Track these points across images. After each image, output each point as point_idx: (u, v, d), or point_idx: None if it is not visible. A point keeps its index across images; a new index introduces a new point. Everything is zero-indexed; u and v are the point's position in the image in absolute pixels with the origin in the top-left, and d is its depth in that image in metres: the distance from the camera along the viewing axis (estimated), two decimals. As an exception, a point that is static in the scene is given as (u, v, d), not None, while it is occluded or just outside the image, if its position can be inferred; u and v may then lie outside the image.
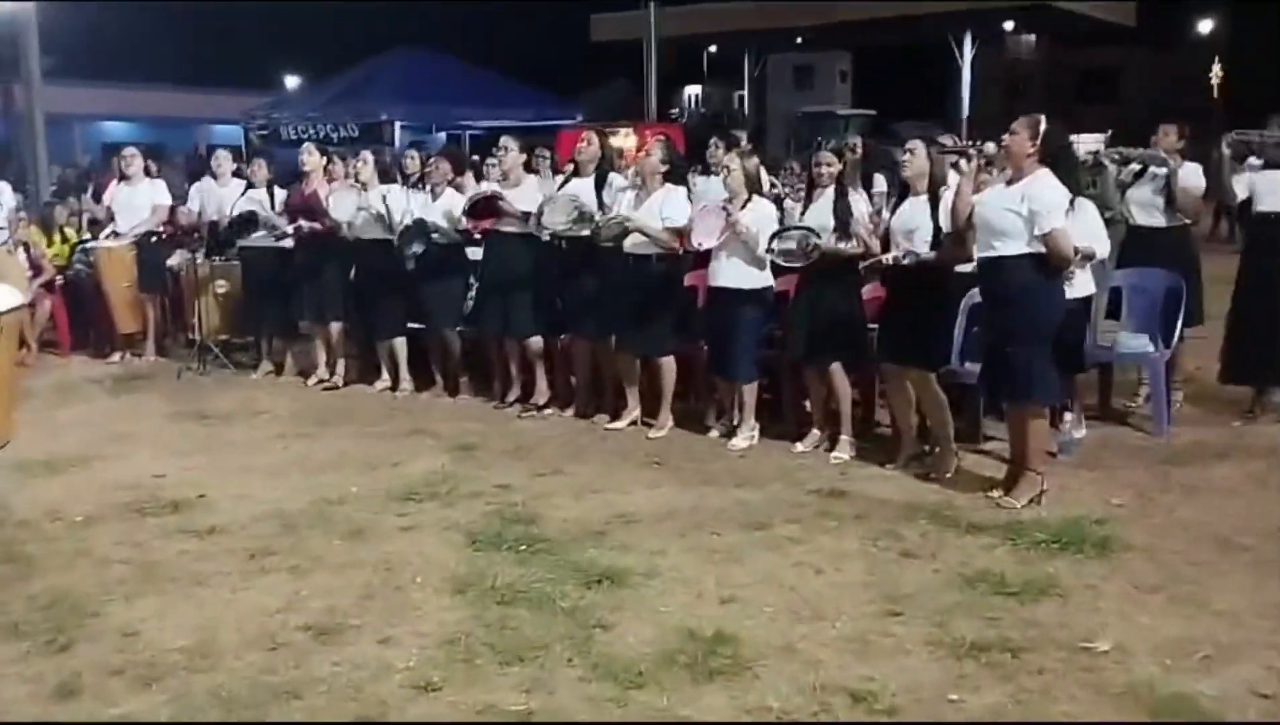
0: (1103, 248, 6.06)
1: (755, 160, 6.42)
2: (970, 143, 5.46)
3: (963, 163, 5.27)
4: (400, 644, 3.82)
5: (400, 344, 7.85)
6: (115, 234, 8.99)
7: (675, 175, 6.57)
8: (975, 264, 5.39)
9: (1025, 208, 4.96)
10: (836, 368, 6.11)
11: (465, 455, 6.22)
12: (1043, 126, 5.02)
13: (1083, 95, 41.07)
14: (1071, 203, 5.06)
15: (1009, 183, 5.14)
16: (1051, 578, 4.30)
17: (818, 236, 5.93)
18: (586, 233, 6.59)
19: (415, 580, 4.35)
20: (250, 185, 8.44)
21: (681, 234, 6.39)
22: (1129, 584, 4.29)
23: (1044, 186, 4.98)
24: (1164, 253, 6.88)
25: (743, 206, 6.21)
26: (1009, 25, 34.95)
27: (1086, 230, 5.83)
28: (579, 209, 6.58)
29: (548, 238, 6.88)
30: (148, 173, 9.32)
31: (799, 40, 35.22)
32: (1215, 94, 39.82)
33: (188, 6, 36.97)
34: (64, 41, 31.29)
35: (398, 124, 21.23)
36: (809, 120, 29.02)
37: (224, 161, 8.96)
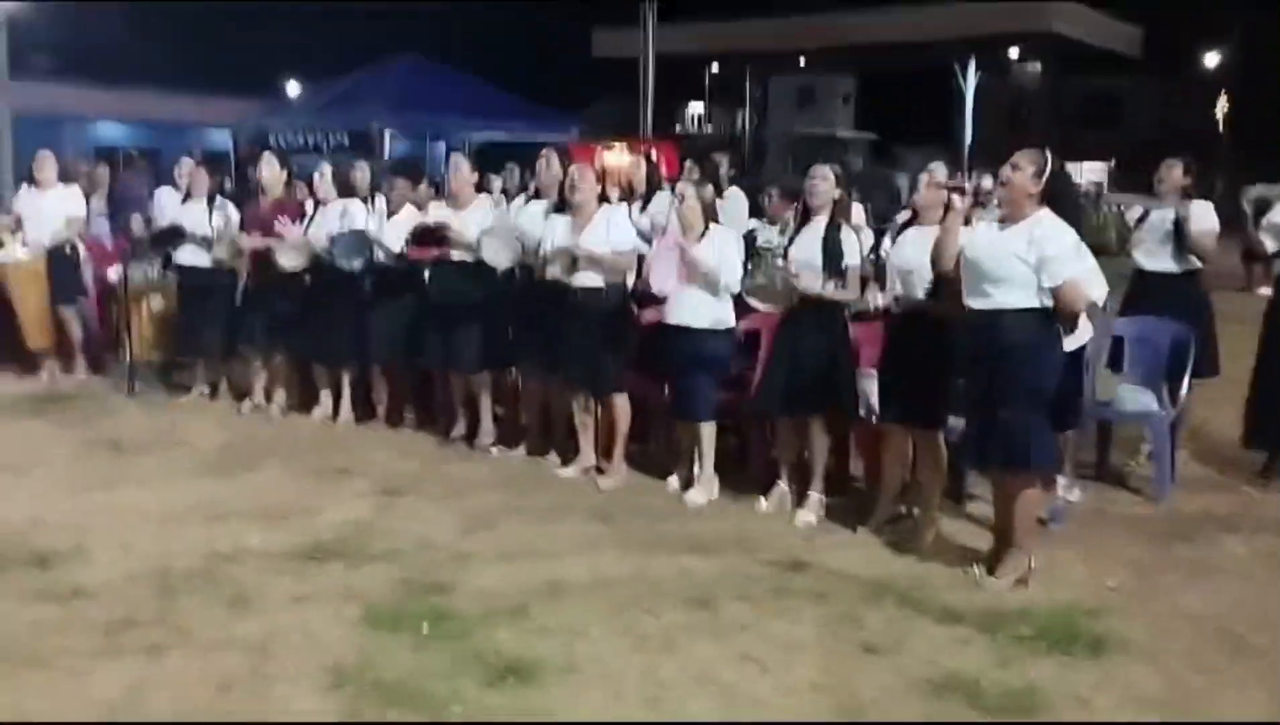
0: (1100, 291, 5.45)
1: (710, 189, 5.82)
2: (965, 176, 4.84)
3: (955, 198, 4.65)
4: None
5: (346, 373, 7.24)
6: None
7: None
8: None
9: (1033, 254, 4.36)
10: (817, 422, 5.49)
11: (390, 502, 5.60)
12: (1049, 164, 4.43)
13: (1087, 122, 40.65)
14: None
15: (1002, 222, 4.53)
16: (1034, 688, 3.68)
17: (795, 276, 5.31)
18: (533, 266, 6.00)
19: (288, 669, 3.72)
20: (188, 196, 7.83)
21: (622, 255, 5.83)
22: (1126, 695, 3.67)
23: (1053, 229, 4.38)
24: (1173, 300, 6.28)
25: (699, 238, 5.61)
26: (1014, 53, 34.50)
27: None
28: (524, 245, 6.00)
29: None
30: (64, 178, 8.59)
31: (802, 62, 34.77)
32: (1221, 126, 39.45)
33: (186, 8, 36.54)
34: (58, 42, 30.92)
35: (388, 133, 20.79)
36: (808, 142, 28.58)
37: (186, 170, 8.28)
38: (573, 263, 5.83)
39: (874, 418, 5.43)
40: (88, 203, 8.75)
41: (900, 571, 4.74)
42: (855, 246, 5.45)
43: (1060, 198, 4.46)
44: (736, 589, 4.49)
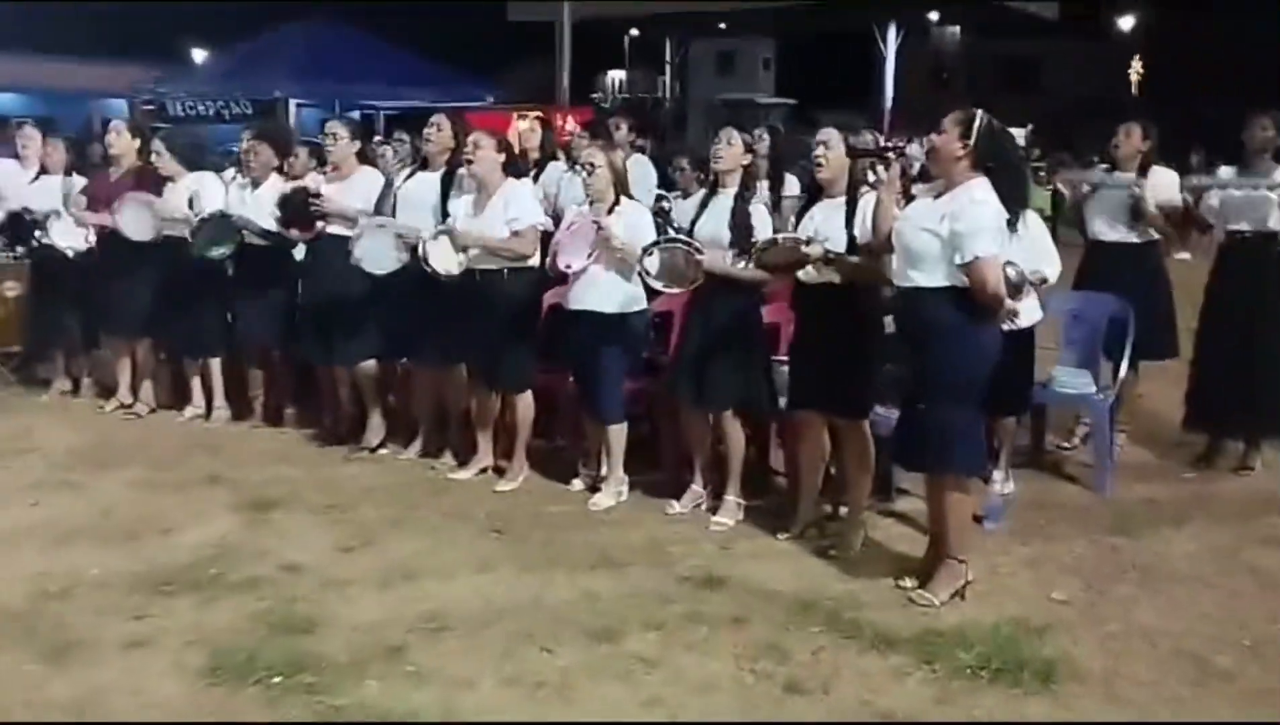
0: (1052, 269, 5.02)
1: (619, 155, 5.23)
2: (892, 144, 4.31)
3: (880, 169, 4.13)
4: None
5: (215, 365, 6.55)
6: None
7: (514, 167, 5.39)
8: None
9: (946, 227, 3.86)
10: (729, 415, 4.98)
11: (260, 517, 4.97)
12: (977, 123, 3.91)
13: (1006, 86, 40.61)
14: (1013, 221, 3.95)
15: (938, 195, 4.03)
16: (980, 731, 3.23)
17: (699, 252, 4.79)
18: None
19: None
20: (43, 171, 7.05)
21: (521, 235, 5.23)
22: (1083, 736, 3.24)
23: (970, 201, 3.87)
24: (1129, 273, 5.87)
25: (609, 211, 5.05)
26: (934, 15, 34.29)
27: (1032, 247, 4.80)
28: (405, 242, 5.38)
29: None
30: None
31: (721, 25, 34.19)
32: (1134, 89, 39.76)
33: (83, -31, 34.73)
34: (-61, 8, 29.12)
35: (293, 102, 19.83)
36: (728, 108, 28.10)
37: (30, 141, 7.42)
38: (461, 249, 5.23)
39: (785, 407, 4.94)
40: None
41: (827, 586, 4.26)
42: (767, 220, 4.93)
43: (997, 162, 3.96)
44: (645, 614, 3.96)
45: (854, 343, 4.53)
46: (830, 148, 4.53)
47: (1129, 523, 4.97)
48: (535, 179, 6.95)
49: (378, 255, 5.56)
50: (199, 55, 31.46)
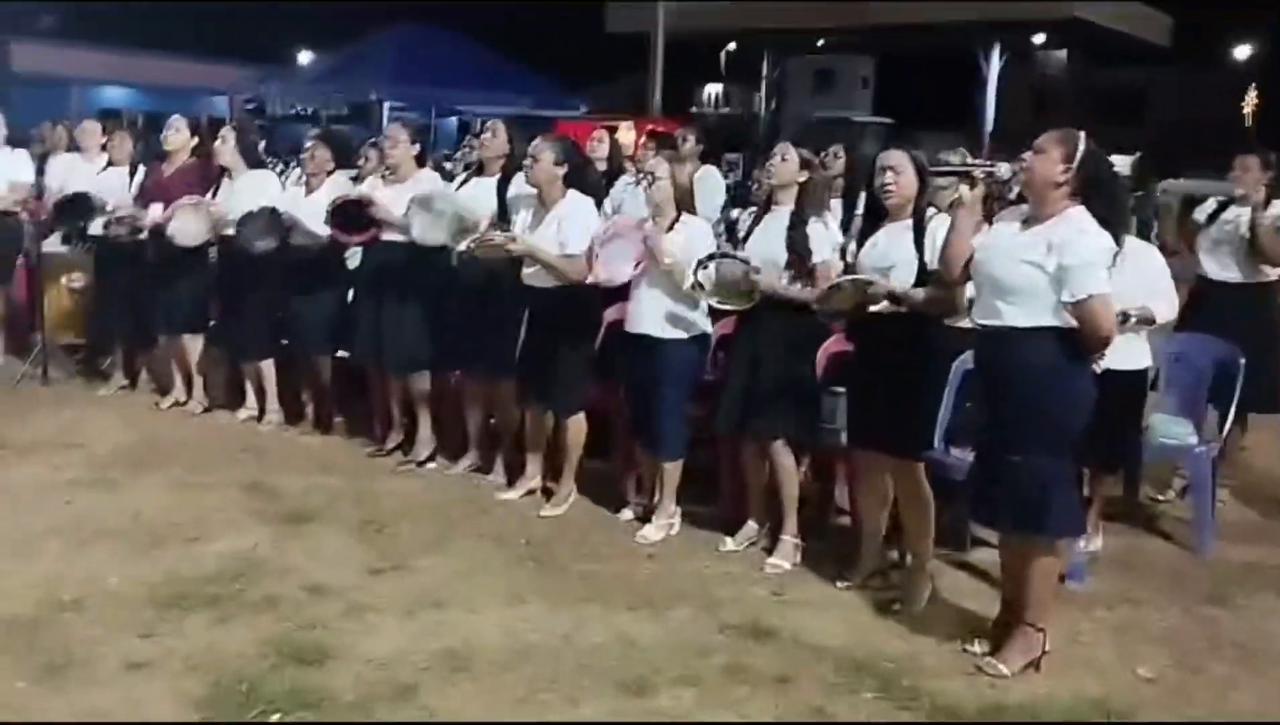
0: (1167, 309, 4.60)
1: (690, 168, 4.91)
2: (981, 161, 3.92)
3: (964, 189, 3.76)
4: None
5: (268, 367, 6.39)
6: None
7: (579, 179, 5.10)
8: (972, 326, 3.89)
9: (1053, 261, 3.47)
10: (780, 445, 4.63)
11: (293, 530, 4.76)
12: (1081, 146, 3.52)
13: (1110, 115, 39.37)
14: (1116, 252, 3.56)
15: (1026, 222, 3.64)
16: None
17: (757, 271, 4.46)
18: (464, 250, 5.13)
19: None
20: (110, 163, 6.99)
21: (572, 260, 4.95)
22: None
23: (1079, 232, 3.48)
24: (1238, 316, 5.41)
25: (669, 227, 4.74)
26: (1039, 39, 33.38)
27: (1145, 284, 4.40)
28: (463, 221, 5.13)
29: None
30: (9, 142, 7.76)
31: (820, 42, 33.72)
32: (1249, 121, 38.30)
33: (192, -28, 35.58)
34: (62, 2, 30.05)
35: (387, 105, 20.01)
36: (823, 126, 27.61)
37: (90, 135, 7.41)
38: (507, 256, 4.97)
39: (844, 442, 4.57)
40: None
41: (884, 645, 3.88)
42: (825, 239, 4.57)
43: (1098, 191, 3.56)
44: (682, 666, 3.64)
45: (913, 375, 4.16)
46: (899, 172, 4.16)
47: (1228, 590, 4.50)
48: (606, 191, 6.70)
49: (432, 225, 5.31)
50: (302, 57, 32.07)
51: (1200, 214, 5.61)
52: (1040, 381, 3.54)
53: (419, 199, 5.33)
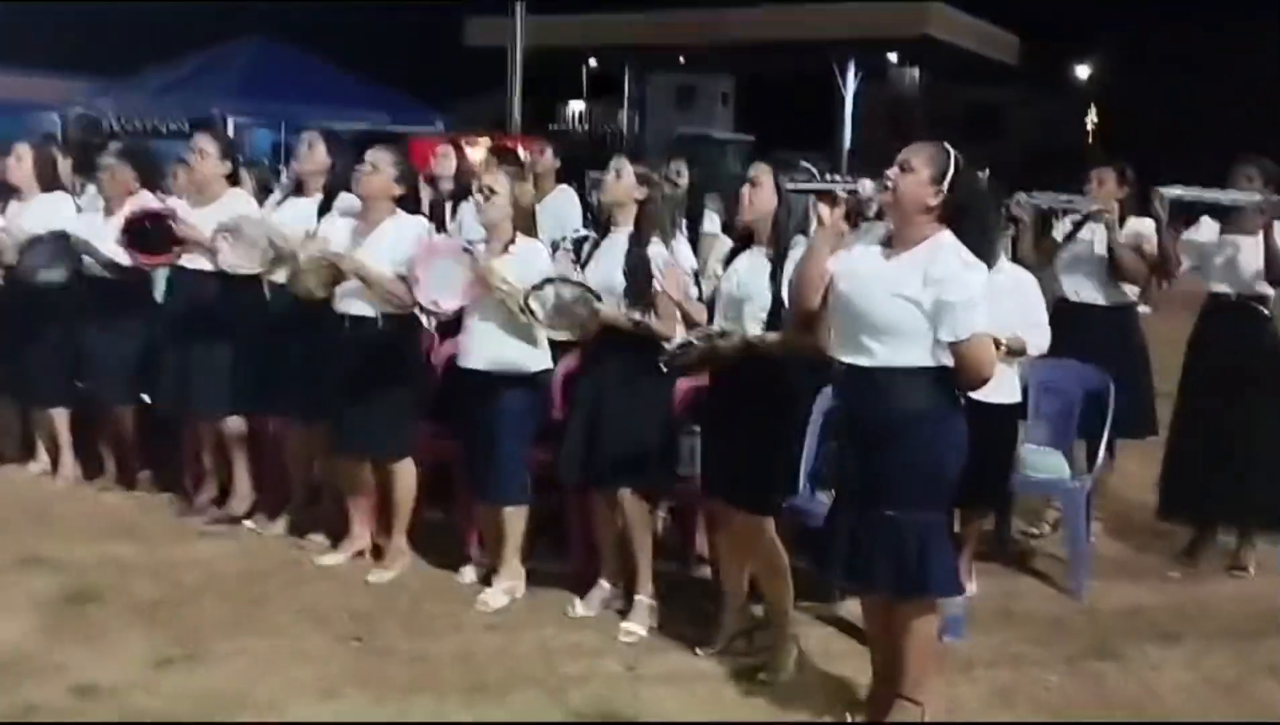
0: (1040, 340, 4.33)
1: (529, 188, 4.41)
2: (842, 179, 3.51)
3: (823, 208, 3.35)
4: None
5: (60, 415, 5.66)
6: None
7: (407, 203, 4.58)
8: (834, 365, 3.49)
9: (930, 296, 3.09)
10: (629, 494, 4.17)
11: (72, 614, 4.10)
12: (952, 165, 3.15)
13: (966, 132, 40.42)
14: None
15: (886, 244, 3.26)
16: None
17: (596, 297, 4.00)
18: (282, 279, 4.55)
19: None
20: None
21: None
22: None
23: (960, 265, 3.10)
24: (1100, 338, 5.17)
25: (503, 249, 4.25)
26: (893, 57, 34.06)
27: (1021, 313, 4.11)
28: (278, 248, 4.54)
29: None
30: None
31: (681, 60, 33.75)
32: (1090, 138, 39.81)
33: (18, -19, 33.57)
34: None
35: (231, 120, 19.05)
36: (685, 143, 27.49)
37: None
38: (331, 277, 4.41)
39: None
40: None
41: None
42: (670, 261, 4.13)
43: (969, 216, 3.21)
44: (517, 771, 3.14)
45: (769, 421, 3.72)
46: (758, 186, 3.76)
47: (1111, 640, 4.21)
48: (453, 212, 6.17)
49: (242, 253, 4.70)
50: (139, 70, 30.51)
51: (1058, 233, 5.38)
52: (916, 428, 3.16)
53: (225, 225, 4.71)
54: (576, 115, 41.64)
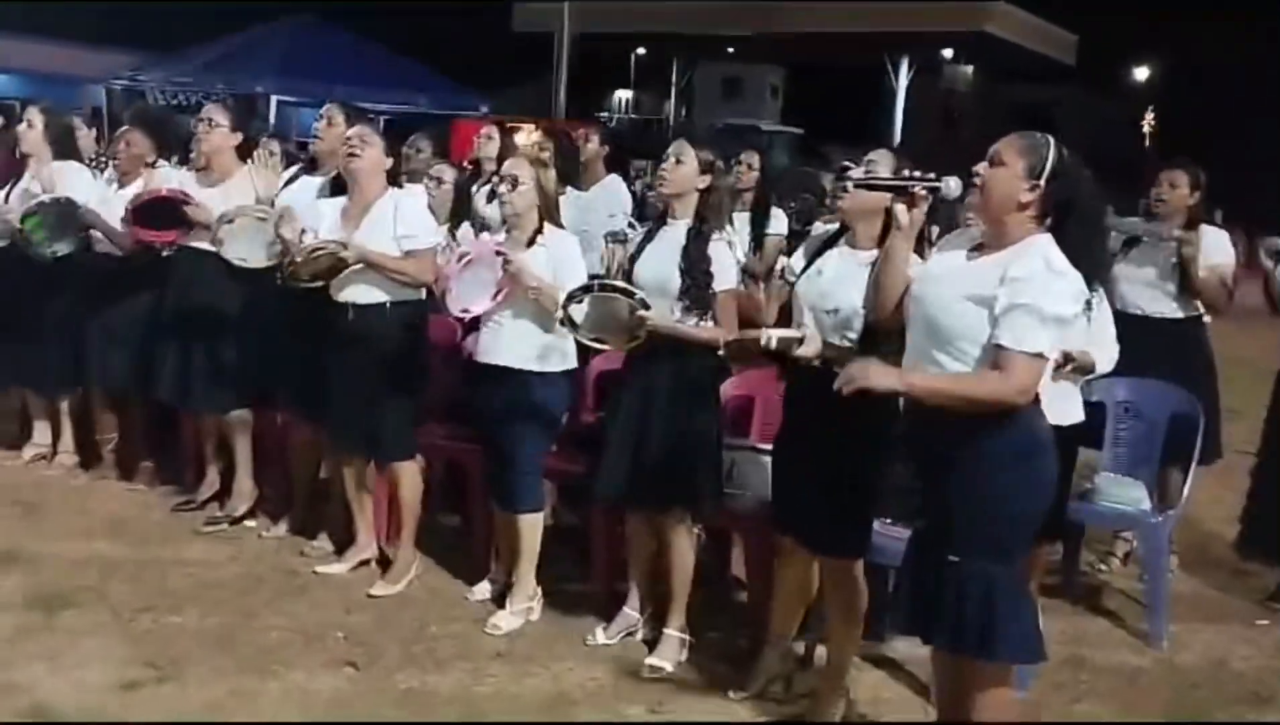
0: (1107, 360, 3.84)
1: (552, 175, 3.96)
2: (920, 175, 2.96)
3: (900, 209, 2.86)
4: None
5: (63, 400, 5.31)
6: None
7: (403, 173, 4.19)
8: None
9: (1004, 298, 2.60)
10: (674, 520, 3.73)
11: (44, 622, 3.72)
12: (1050, 158, 2.67)
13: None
14: (1089, 298, 2.71)
15: (977, 250, 2.79)
16: None
17: (645, 306, 3.56)
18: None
19: None
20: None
21: (418, 256, 4.04)
22: None
23: (1041, 263, 2.62)
24: (1168, 354, 4.66)
25: (529, 243, 3.82)
26: (948, 53, 33.32)
27: (1093, 329, 3.62)
28: (281, 234, 4.13)
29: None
30: None
31: (730, 50, 33.22)
32: (1147, 141, 38.92)
33: (68, -46, 33.60)
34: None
35: (274, 98, 18.88)
36: (730, 134, 27.05)
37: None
38: (335, 266, 4.00)
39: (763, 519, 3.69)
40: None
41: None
42: (729, 263, 3.70)
43: (1072, 217, 2.70)
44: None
45: (851, 452, 3.25)
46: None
47: (1197, 701, 3.73)
48: (491, 195, 5.75)
49: (246, 245, 4.36)
50: (186, 45, 30.42)
51: (1115, 241, 4.85)
52: (991, 462, 2.68)
53: (226, 215, 4.32)
54: (623, 103, 41.34)
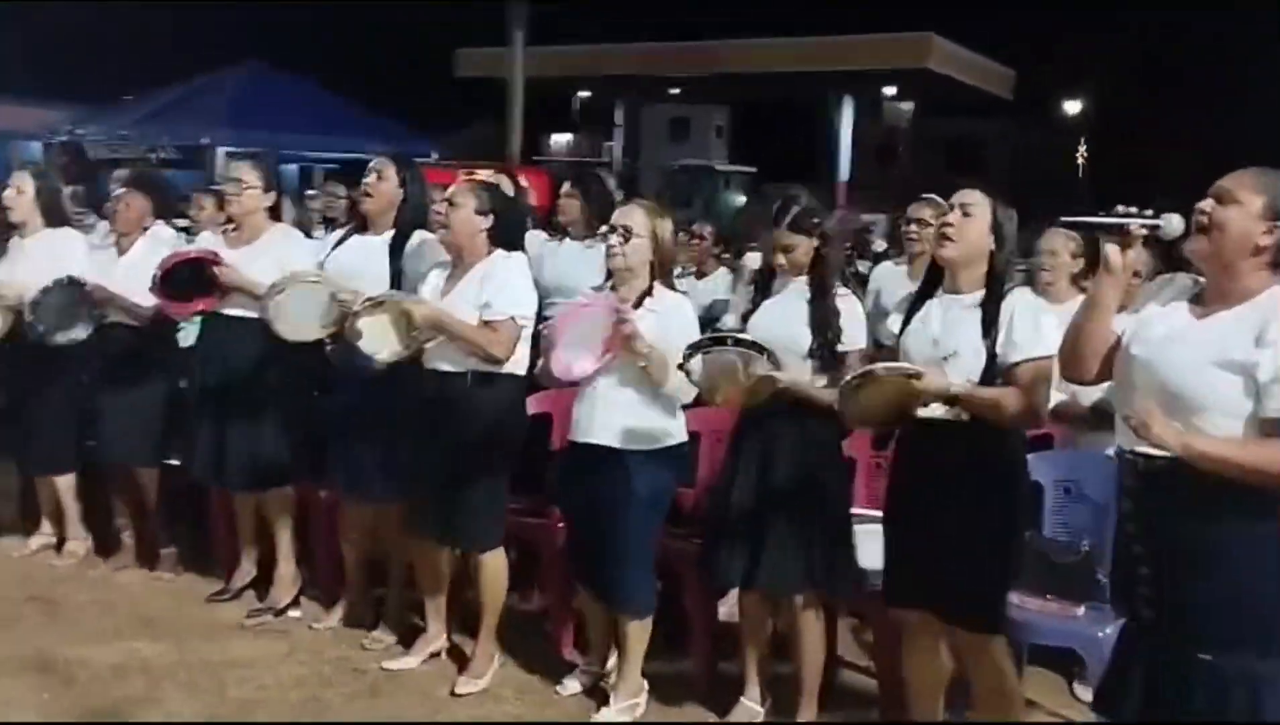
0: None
1: (669, 224, 3.61)
2: (1139, 214, 2.53)
3: (1110, 249, 2.54)
4: None
5: (65, 483, 4.83)
6: None
7: (505, 235, 3.79)
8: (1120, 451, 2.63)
9: (1268, 365, 2.32)
10: (802, 603, 3.40)
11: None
12: None
13: (951, 166, 40.04)
14: None
15: (1196, 300, 2.52)
16: None
17: (774, 360, 3.24)
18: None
19: None
20: None
21: (495, 328, 3.65)
22: None
23: None
24: None
25: (637, 303, 3.48)
26: (890, 90, 33.67)
27: None
28: (343, 304, 3.76)
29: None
30: None
31: (673, 91, 33.26)
32: (1080, 173, 39.67)
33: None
34: None
35: (221, 150, 18.33)
36: (686, 175, 27.02)
37: None
38: (408, 331, 3.62)
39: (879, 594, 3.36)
40: None
41: None
42: (860, 321, 3.43)
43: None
44: None
45: (983, 513, 2.97)
46: (971, 216, 3.05)
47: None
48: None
49: (299, 316, 3.93)
50: (127, 97, 29.67)
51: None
52: (1243, 545, 2.38)
53: (277, 286, 3.93)
54: (566, 146, 41.30)
